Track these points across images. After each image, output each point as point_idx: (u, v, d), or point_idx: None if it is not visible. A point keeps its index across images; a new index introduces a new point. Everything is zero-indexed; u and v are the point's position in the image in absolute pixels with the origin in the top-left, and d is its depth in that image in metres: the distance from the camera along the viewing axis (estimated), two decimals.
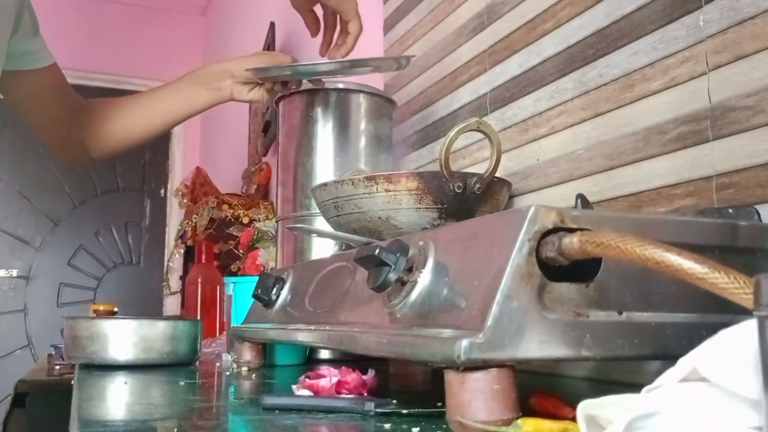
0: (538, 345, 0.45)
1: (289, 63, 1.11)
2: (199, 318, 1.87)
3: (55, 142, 1.21)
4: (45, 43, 1.13)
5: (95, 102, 1.24)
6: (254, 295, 0.89)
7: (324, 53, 1.10)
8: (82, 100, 1.21)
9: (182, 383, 0.82)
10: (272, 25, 2.61)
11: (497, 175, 0.79)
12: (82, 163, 1.26)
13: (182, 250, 2.72)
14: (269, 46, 2.59)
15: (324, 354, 1.11)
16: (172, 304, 3.86)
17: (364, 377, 0.68)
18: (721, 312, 0.47)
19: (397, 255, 0.55)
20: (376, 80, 1.49)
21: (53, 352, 2.31)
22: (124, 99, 1.25)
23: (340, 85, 1.22)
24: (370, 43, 1.57)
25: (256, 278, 0.91)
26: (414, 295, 0.53)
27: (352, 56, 1.09)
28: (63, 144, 1.21)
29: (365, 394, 0.66)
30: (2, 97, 1.10)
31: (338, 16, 1.07)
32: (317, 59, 1.10)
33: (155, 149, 4.30)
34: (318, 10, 1.09)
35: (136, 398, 0.75)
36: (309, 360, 1.08)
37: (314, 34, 1.10)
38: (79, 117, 1.19)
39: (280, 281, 0.87)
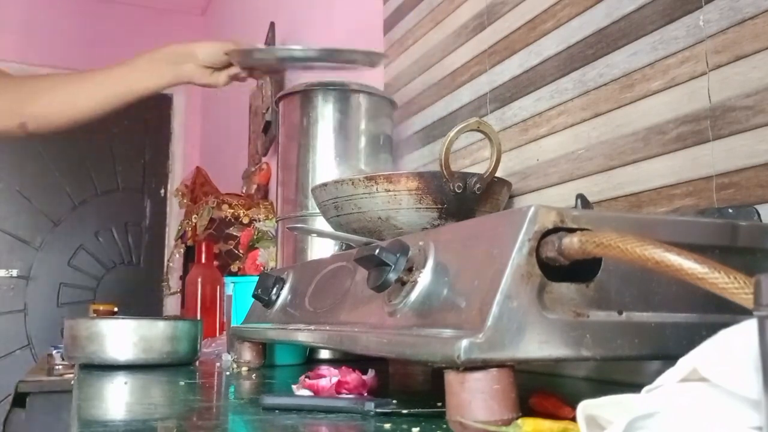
0: (538, 345, 0.45)
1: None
2: (199, 318, 1.87)
3: None
4: None
5: (37, 76, 1.22)
6: (254, 295, 0.89)
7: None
8: (13, 75, 1.19)
9: (182, 383, 0.82)
10: (272, 25, 2.61)
11: (497, 175, 0.79)
12: (18, 136, 1.21)
13: (182, 250, 2.71)
14: (269, 46, 2.59)
15: (324, 354, 1.11)
16: (172, 304, 3.86)
17: (364, 377, 0.68)
18: (721, 312, 0.47)
19: (397, 255, 0.55)
20: (376, 80, 1.49)
21: (53, 352, 2.31)
22: (76, 74, 1.23)
23: (340, 83, 1.22)
24: (371, 43, 1.57)
25: (256, 278, 0.91)
26: (414, 295, 0.53)
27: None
28: None
29: (365, 394, 0.66)
30: None
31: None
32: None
33: (155, 149, 4.29)
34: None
35: (136, 398, 0.75)
36: (309, 360, 1.08)
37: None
38: (14, 90, 1.17)
39: (280, 281, 0.87)
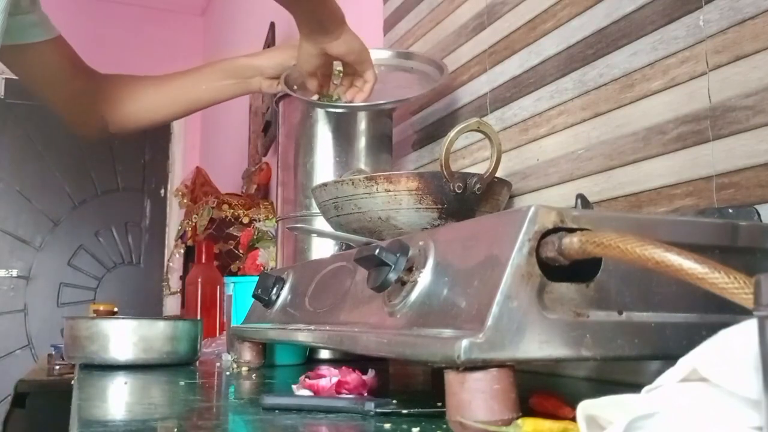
0: (538, 345, 0.45)
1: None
2: (199, 318, 1.87)
3: (72, 116, 1.22)
4: (46, 16, 1.12)
5: (118, 77, 1.25)
6: (254, 295, 0.89)
7: (343, 95, 1.12)
8: (98, 73, 1.22)
9: (182, 383, 0.82)
10: (272, 25, 2.61)
11: (497, 175, 0.79)
12: (100, 137, 1.27)
13: (182, 250, 2.72)
14: (269, 46, 2.59)
15: (324, 354, 1.11)
16: (172, 304, 3.86)
17: (364, 377, 0.68)
18: (721, 312, 0.47)
19: (397, 255, 0.55)
20: None
21: (53, 352, 2.31)
22: (152, 79, 1.26)
23: None
24: (370, 43, 1.56)
25: (256, 278, 0.91)
26: (414, 295, 0.53)
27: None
28: (80, 117, 1.22)
29: (365, 394, 0.66)
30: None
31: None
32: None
33: (155, 149, 4.30)
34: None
35: (136, 398, 0.75)
36: (309, 360, 1.08)
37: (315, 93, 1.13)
38: (98, 90, 1.20)
39: (280, 281, 0.87)
